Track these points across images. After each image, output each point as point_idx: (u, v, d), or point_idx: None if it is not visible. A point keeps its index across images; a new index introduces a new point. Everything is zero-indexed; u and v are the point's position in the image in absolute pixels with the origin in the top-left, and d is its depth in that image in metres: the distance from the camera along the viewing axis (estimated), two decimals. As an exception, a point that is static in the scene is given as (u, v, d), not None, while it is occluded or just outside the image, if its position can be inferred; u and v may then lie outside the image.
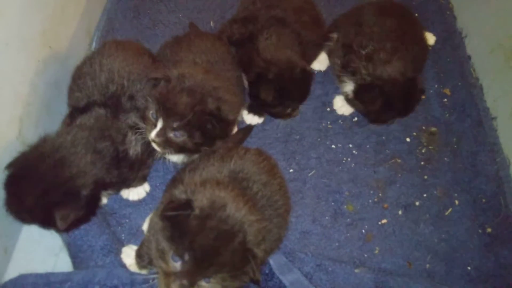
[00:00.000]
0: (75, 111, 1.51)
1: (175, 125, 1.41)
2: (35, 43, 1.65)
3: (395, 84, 1.77)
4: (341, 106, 2.05)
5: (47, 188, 1.30)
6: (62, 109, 1.88)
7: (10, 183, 1.34)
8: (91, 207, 1.44)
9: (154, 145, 1.47)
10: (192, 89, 1.42)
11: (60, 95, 1.85)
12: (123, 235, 1.66)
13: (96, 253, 1.54)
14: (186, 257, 1.04)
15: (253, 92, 1.83)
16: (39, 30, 1.66)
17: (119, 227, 1.67)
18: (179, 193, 1.17)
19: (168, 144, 1.45)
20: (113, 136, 1.46)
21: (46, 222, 1.35)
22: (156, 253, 1.11)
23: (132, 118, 1.51)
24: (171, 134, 1.43)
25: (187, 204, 1.09)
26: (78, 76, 1.58)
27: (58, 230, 1.44)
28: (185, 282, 1.04)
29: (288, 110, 1.88)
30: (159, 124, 1.43)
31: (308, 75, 1.83)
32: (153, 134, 1.43)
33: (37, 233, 1.64)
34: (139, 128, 1.50)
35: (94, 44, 2.15)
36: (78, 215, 1.35)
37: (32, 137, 1.62)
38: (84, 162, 1.37)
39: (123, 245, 1.58)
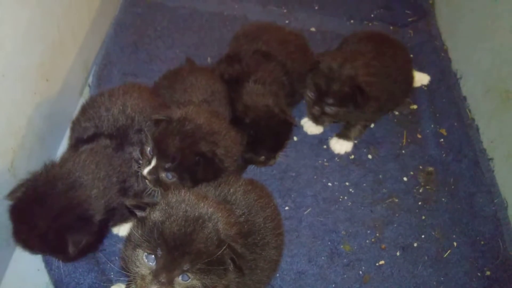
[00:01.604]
0: (79, 142, 1.50)
1: (166, 166, 1.43)
2: (32, 75, 1.65)
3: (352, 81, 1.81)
4: (340, 146, 2.05)
5: (60, 212, 1.28)
6: (56, 142, 1.87)
7: (18, 210, 1.30)
8: (100, 235, 1.42)
9: (146, 181, 1.48)
10: (187, 133, 1.44)
11: (54, 128, 1.84)
12: (112, 273, 1.60)
13: (83, 291, 1.49)
14: (159, 252, 1.02)
15: None
16: (37, 63, 1.66)
17: (108, 265, 1.62)
18: (147, 200, 1.17)
19: (158, 183, 1.46)
20: (120, 165, 1.47)
21: (57, 248, 1.31)
22: (131, 263, 1.07)
23: (137, 152, 1.52)
24: (162, 174, 1.45)
25: (154, 204, 1.09)
26: (91, 106, 1.58)
27: (66, 258, 1.39)
28: (162, 279, 1.01)
29: (261, 158, 1.83)
30: (153, 163, 1.44)
31: (286, 126, 1.80)
32: (145, 171, 1.45)
33: (23, 270, 1.61)
34: (139, 162, 1.51)
35: (91, 78, 2.15)
36: (89, 241, 1.33)
37: (24, 169, 1.59)
38: (97, 187, 1.36)
39: (111, 284, 1.53)
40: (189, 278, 1.03)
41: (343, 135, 2.06)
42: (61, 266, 1.51)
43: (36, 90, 1.67)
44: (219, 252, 1.04)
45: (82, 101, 2.08)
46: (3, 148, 1.52)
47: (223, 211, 1.14)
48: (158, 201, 1.10)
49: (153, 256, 1.04)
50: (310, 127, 2.10)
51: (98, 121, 1.52)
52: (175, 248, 1.01)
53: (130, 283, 1.36)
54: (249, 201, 1.35)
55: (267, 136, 1.76)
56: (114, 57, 2.22)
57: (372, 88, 1.83)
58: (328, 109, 1.89)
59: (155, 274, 1.02)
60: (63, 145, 1.88)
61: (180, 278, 1.03)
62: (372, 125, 2.17)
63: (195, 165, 1.43)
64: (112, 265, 1.60)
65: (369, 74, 1.85)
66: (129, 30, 2.37)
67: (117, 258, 1.63)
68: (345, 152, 2.05)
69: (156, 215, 1.06)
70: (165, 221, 1.03)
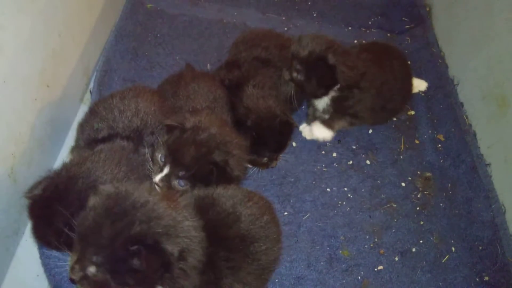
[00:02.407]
0: (93, 142, 1.52)
1: (180, 174, 1.44)
2: (33, 81, 1.66)
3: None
4: (320, 131, 2.09)
5: (78, 209, 1.25)
6: (56, 148, 1.88)
7: (37, 206, 1.32)
8: None
9: (157, 187, 1.48)
10: (202, 143, 1.45)
11: (55, 134, 1.85)
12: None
13: (83, 297, 1.49)
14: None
15: None
16: (38, 69, 1.68)
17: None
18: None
19: (170, 189, 1.47)
20: (137, 167, 1.48)
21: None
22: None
23: (150, 153, 1.54)
24: (175, 182, 1.46)
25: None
26: (103, 108, 1.59)
27: None
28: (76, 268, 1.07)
29: (265, 160, 1.84)
30: (166, 170, 1.45)
31: (287, 127, 1.82)
32: (157, 178, 1.46)
33: (22, 276, 1.61)
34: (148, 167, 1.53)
35: (91, 84, 2.17)
36: None
37: (24, 175, 1.60)
38: None
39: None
40: (97, 272, 1.06)
41: (326, 122, 2.08)
42: (61, 271, 1.52)
43: (37, 96, 1.68)
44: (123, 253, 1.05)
45: (83, 107, 2.10)
46: (4, 154, 1.52)
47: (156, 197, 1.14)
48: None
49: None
50: (316, 130, 2.12)
51: (112, 122, 1.54)
52: (85, 240, 1.06)
53: None
54: (235, 213, 1.34)
55: (270, 137, 1.76)
56: (115, 64, 2.23)
57: (346, 75, 1.84)
58: (295, 75, 1.90)
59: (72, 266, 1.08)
60: (64, 151, 1.89)
61: (92, 269, 1.05)
62: (370, 131, 2.18)
63: (209, 174, 1.44)
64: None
65: (347, 61, 1.85)
66: (129, 37, 2.39)
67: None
68: (323, 139, 2.09)
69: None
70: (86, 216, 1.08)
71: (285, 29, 2.61)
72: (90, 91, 2.14)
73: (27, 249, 1.62)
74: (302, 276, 1.70)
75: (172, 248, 1.08)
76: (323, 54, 1.82)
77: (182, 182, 1.46)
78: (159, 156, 1.48)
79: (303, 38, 1.88)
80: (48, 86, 1.75)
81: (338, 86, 1.89)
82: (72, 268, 1.09)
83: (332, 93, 1.94)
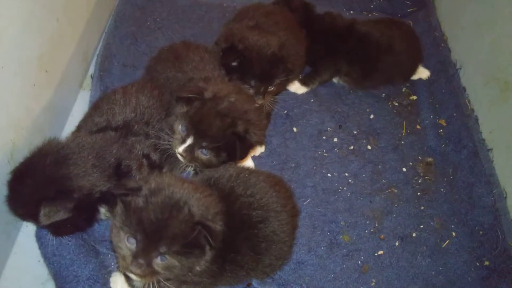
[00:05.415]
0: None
1: (204, 144, 1.48)
2: (32, 67, 1.65)
3: None
4: (295, 88, 2.22)
5: (42, 183, 1.32)
6: (55, 134, 1.86)
7: (11, 179, 1.36)
8: (87, 217, 1.46)
9: (180, 157, 1.53)
10: (225, 113, 1.48)
11: (54, 120, 1.85)
12: (113, 263, 1.61)
13: (82, 283, 1.49)
14: (138, 236, 1.09)
15: (221, 59, 1.83)
16: (36, 54, 1.66)
17: (109, 255, 1.62)
18: (132, 183, 1.20)
19: (193, 159, 1.51)
20: (118, 148, 1.49)
21: (32, 216, 1.34)
22: (116, 244, 1.15)
23: (142, 143, 1.56)
24: (198, 151, 1.49)
25: (138, 189, 1.13)
26: (106, 103, 1.62)
27: (40, 225, 1.43)
28: (141, 260, 1.10)
29: (250, 90, 1.81)
30: (189, 141, 1.48)
31: (279, 62, 1.80)
32: (181, 149, 1.50)
33: (24, 262, 1.61)
34: (160, 140, 1.56)
35: (91, 69, 2.15)
36: (63, 216, 1.34)
37: (24, 161, 1.60)
38: (85, 165, 1.39)
39: (110, 274, 1.54)
40: (167, 259, 1.11)
41: (302, 80, 2.23)
42: (60, 260, 1.52)
43: (35, 82, 1.67)
44: (194, 234, 1.10)
45: (82, 92, 2.09)
46: (3, 140, 1.52)
47: (200, 194, 1.19)
48: (141, 186, 1.14)
49: (133, 239, 1.10)
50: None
51: (110, 116, 1.58)
52: (152, 233, 1.08)
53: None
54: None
55: (257, 63, 1.75)
56: (114, 49, 2.21)
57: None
58: None
59: (134, 256, 1.10)
60: (63, 137, 1.88)
61: (158, 259, 1.11)
62: (372, 116, 2.18)
63: (233, 144, 1.48)
64: (112, 254, 1.61)
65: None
66: (128, 21, 2.36)
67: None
68: (302, 93, 2.23)
69: (136, 202, 1.11)
70: (144, 209, 1.10)
71: (286, 13, 2.58)
72: (91, 76, 2.13)
73: (28, 235, 1.62)
74: (302, 261, 1.70)
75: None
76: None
77: (205, 152, 1.49)
78: (179, 126, 1.50)
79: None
80: (46, 72, 1.74)
81: None
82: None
83: None
